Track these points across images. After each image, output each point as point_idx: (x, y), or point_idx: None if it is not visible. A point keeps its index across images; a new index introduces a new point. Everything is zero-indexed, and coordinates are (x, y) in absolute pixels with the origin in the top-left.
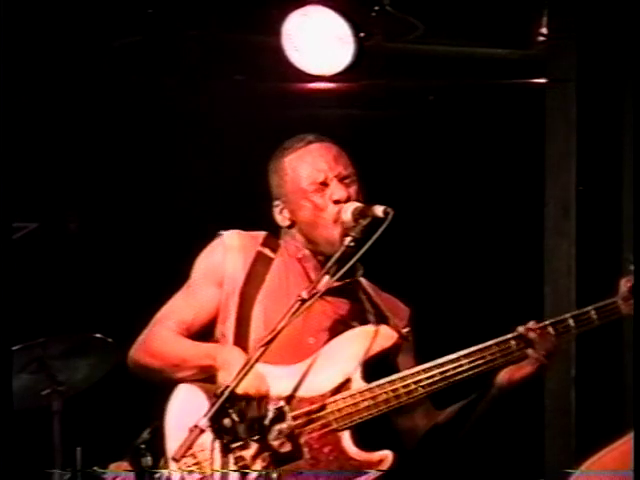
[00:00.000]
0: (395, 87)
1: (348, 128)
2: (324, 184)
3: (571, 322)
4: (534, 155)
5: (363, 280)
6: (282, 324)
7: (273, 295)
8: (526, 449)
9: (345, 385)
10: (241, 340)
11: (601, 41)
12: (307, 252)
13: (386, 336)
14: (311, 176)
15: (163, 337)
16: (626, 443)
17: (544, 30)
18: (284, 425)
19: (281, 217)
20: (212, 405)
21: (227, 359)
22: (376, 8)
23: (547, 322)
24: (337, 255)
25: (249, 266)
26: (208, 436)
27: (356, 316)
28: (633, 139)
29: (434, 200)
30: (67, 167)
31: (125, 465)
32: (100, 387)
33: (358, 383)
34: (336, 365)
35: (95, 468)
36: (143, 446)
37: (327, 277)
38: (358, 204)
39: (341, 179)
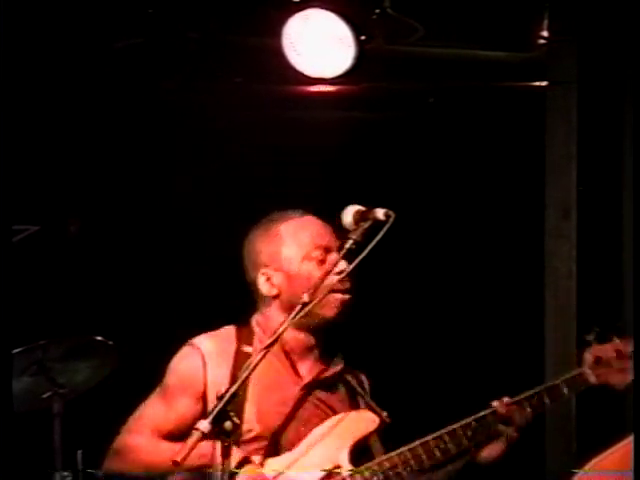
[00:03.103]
0: (396, 90)
1: (349, 131)
2: (328, 250)
3: (545, 397)
4: (535, 157)
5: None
6: (283, 327)
7: (262, 392)
8: (527, 452)
9: (335, 472)
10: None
11: (601, 44)
12: (293, 341)
13: (368, 420)
14: (314, 242)
15: (146, 447)
16: (626, 446)
17: (545, 33)
18: None
19: (268, 286)
20: (214, 407)
21: None
22: (377, 11)
23: (522, 397)
24: (341, 254)
25: (231, 368)
26: None
27: (339, 402)
28: (633, 141)
29: (434, 202)
30: (68, 169)
31: None
32: (101, 389)
33: (347, 468)
34: (324, 452)
35: (96, 470)
36: None
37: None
38: (359, 207)
39: (339, 250)
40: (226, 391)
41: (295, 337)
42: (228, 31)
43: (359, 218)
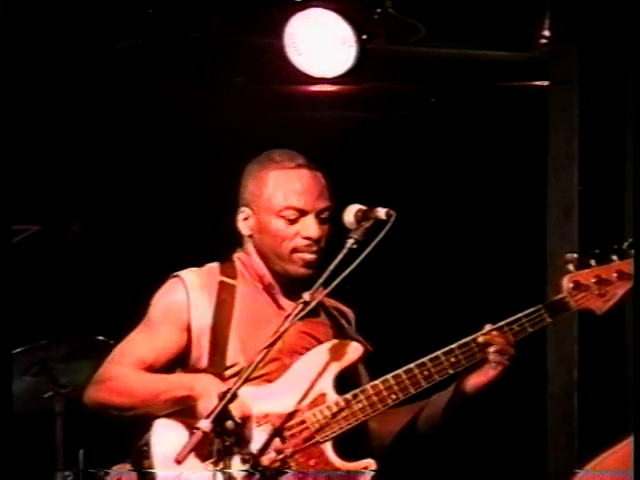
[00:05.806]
0: (397, 90)
1: (350, 130)
2: (303, 212)
3: (525, 321)
4: (536, 157)
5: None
6: (285, 327)
7: (247, 325)
8: (529, 452)
9: (320, 399)
10: (215, 373)
11: (603, 43)
12: (272, 279)
13: (352, 349)
14: (288, 203)
15: (128, 375)
16: (628, 445)
17: (546, 32)
18: (270, 443)
19: (243, 224)
20: (215, 407)
21: (206, 387)
22: (378, 10)
23: (503, 323)
24: (339, 257)
25: (215, 300)
26: None
27: (324, 332)
28: (634, 141)
29: (436, 202)
30: (69, 170)
31: (128, 467)
32: None
33: (332, 396)
34: (309, 381)
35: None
36: (145, 448)
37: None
38: (360, 206)
39: (318, 213)
40: (227, 391)
41: (273, 276)
42: (229, 31)
43: (361, 217)
